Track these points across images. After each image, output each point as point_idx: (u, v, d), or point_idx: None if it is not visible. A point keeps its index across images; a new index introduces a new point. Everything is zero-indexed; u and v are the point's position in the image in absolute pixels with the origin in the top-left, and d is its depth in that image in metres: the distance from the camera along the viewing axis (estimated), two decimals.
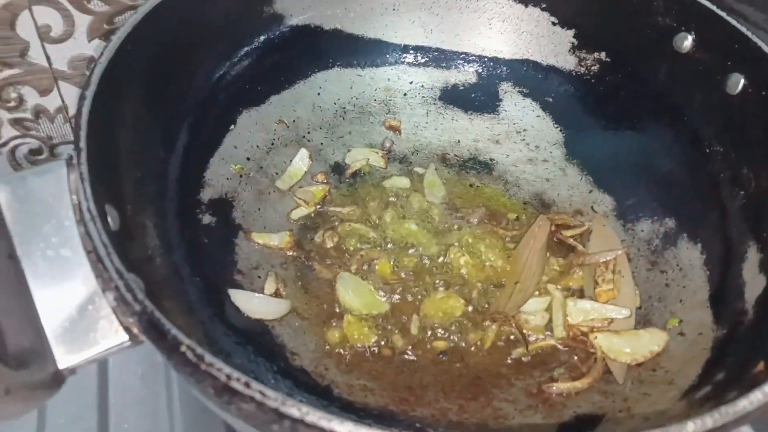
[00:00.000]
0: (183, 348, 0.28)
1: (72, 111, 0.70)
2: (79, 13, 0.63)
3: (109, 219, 0.36)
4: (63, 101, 0.70)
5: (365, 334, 0.47)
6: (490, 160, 0.61)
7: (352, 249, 0.52)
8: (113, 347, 0.33)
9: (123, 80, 0.42)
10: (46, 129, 0.71)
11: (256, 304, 0.46)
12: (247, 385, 0.27)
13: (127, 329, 0.33)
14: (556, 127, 0.61)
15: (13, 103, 0.67)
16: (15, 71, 0.65)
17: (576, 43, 0.60)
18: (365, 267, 0.51)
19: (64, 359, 0.32)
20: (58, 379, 0.32)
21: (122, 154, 0.42)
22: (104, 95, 0.39)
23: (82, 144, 0.36)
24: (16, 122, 0.69)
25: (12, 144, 0.70)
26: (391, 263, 0.51)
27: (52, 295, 0.33)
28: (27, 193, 0.35)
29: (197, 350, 0.28)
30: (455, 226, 0.54)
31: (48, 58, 0.66)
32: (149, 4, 0.45)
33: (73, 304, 0.33)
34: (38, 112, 0.70)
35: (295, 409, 0.27)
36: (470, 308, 0.49)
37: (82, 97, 0.38)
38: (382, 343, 0.47)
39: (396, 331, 0.48)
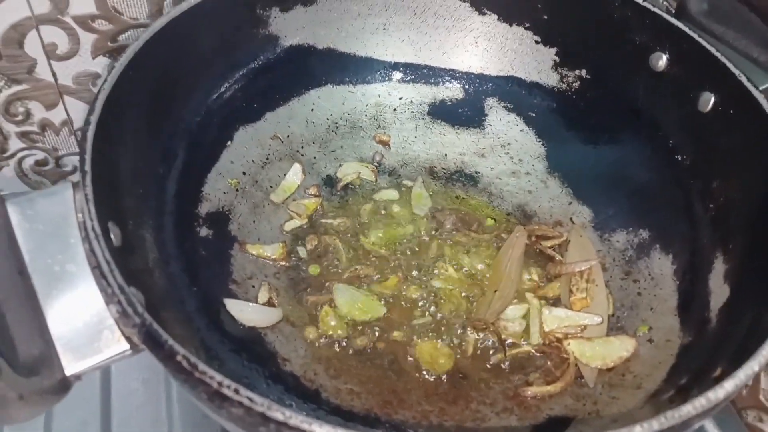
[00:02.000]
0: (179, 357, 0.31)
1: (77, 124, 0.73)
2: (83, 31, 0.66)
3: (112, 236, 0.39)
4: (68, 115, 0.72)
5: (338, 326, 0.50)
6: (476, 172, 0.64)
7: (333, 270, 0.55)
8: (116, 355, 0.36)
9: (125, 104, 0.45)
10: (51, 141, 0.74)
11: (249, 312, 0.49)
12: (236, 391, 0.30)
13: (128, 339, 0.36)
14: (539, 141, 0.64)
15: (20, 117, 0.70)
16: (22, 87, 0.67)
17: (558, 61, 0.63)
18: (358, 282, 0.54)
19: (70, 366, 0.35)
20: (65, 384, 0.35)
21: (124, 173, 0.45)
22: (107, 120, 0.42)
23: (87, 167, 0.39)
24: (23, 135, 0.72)
25: (19, 155, 0.73)
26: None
27: (60, 308, 0.36)
28: (35, 212, 0.37)
29: (191, 359, 0.31)
30: (437, 238, 0.57)
31: (54, 75, 0.68)
32: (150, 31, 0.48)
33: (79, 316, 0.36)
34: (44, 126, 0.72)
35: (280, 413, 0.29)
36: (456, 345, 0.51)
37: (86, 123, 0.41)
38: (370, 344, 0.50)
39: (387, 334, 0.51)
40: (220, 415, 0.32)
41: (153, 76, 0.48)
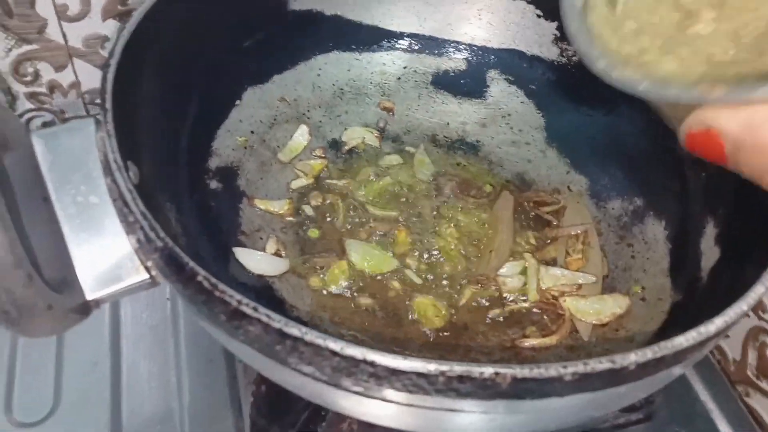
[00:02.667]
0: (199, 278, 0.33)
1: (84, 87, 0.74)
2: None
3: (131, 174, 0.40)
4: (76, 77, 0.74)
5: (344, 279, 0.52)
6: (477, 141, 0.65)
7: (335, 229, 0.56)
8: (134, 284, 0.38)
9: (143, 53, 0.46)
10: (59, 103, 0.75)
11: (258, 261, 0.51)
12: (255, 309, 0.32)
13: (147, 269, 0.38)
14: (539, 113, 0.66)
15: (29, 78, 0.71)
16: (32, 47, 0.68)
17: (558, 35, 0.65)
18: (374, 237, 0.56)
19: (91, 292, 0.36)
20: (86, 308, 0.36)
21: (140, 120, 0.46)
22: (126, 64, 0.43)
23: (108, 105, 0.40)
24: (31, 96, 0.73)
25: (27, 117, 0.74)
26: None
27: (82, 236, 0.37)
28: (59, 146, 0.39)
29: (211, 279, 0.33)
30: (438, 201, 0.59)
31: (64, 36, 0.69)
32: None
33: (100, 246, 0.37)
34: (52, 87, 0.73)
35: (296, 329, 0.31)
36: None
37: (106, 65, 0.42)
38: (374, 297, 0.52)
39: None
40: (237, 338, 0.33)
41: (168, 29, 0.49)
